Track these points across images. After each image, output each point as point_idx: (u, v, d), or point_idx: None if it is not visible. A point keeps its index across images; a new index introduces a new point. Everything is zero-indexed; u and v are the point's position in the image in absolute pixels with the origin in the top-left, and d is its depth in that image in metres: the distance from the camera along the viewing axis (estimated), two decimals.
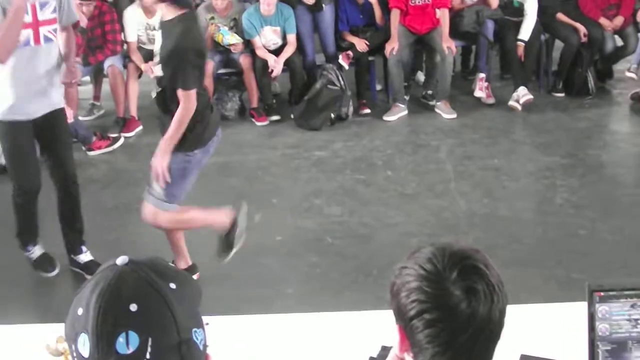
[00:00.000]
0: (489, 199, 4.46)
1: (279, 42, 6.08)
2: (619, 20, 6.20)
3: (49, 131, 3.54)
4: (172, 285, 1.07)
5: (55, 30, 3.42)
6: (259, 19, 5.97)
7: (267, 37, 6.02)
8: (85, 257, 3.81)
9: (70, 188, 3.72)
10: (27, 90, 3.38)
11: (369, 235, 4.07)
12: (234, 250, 3.52)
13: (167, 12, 3.16)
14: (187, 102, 3.16)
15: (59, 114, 3.58)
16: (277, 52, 6.05)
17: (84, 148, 5.45)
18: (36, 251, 3.78)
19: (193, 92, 3.15)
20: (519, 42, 6.05)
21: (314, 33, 6.27)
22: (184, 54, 3.10)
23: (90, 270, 3.69)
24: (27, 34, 3.28)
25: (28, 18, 3.27)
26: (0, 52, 3.21)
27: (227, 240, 3.53)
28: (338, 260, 3.81)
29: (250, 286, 3.59)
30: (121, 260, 1.09)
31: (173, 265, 1.15)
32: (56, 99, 3.56)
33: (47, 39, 3.38)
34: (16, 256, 3.78)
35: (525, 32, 6.05)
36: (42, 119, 3.47)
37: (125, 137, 5.74)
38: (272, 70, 5.93)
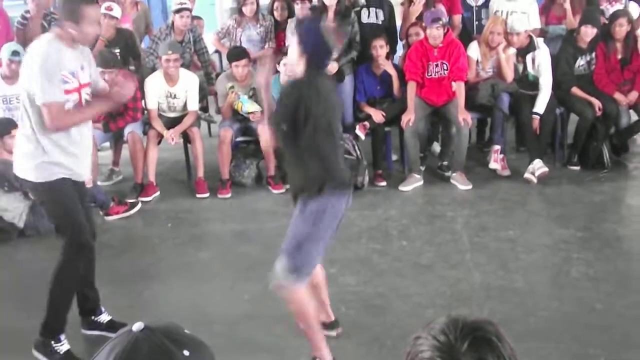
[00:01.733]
0: (504, 271, 4.43)
1: None
2: (633, 96, 6.27)
3: (78, 190, 3.56)
4: (186, 352, 1.09)
5: (90, 94, 3.49)
6: (278, 89, 6.09)
7: None
8: (106, 316, 3.81)
9: (93, 245, 3.70)
10: (79, 153, 3.45)
11: (384, 306, 4.05)
12: None
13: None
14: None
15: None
16: None
17: (101, 213, 5.51)
18: (65, 345, 3.52)
19: None
20: (534, 116, 6.11)
21: None
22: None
23: (114, 329, 3.65)
24: (74, 97, 3.36)
25: (73, 81, 3.36)
26: (65, 127, 3.31)
27: None
28: (352, 330, 3.78)
29: (265, 355, 3.57)
30: (137, 326, 1.11)
31: (188, 332, 1.16)
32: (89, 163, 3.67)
33: (87, 102, 3.46)
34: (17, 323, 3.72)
35: (541, 105, 6.12)
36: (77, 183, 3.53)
37: (143, 203, 5.80)
38: None
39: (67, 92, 3.31)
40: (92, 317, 3.79)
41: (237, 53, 6.22)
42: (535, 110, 6.12)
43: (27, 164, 3.37)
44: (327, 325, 3.64)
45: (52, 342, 3.49)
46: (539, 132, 6.15)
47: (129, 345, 1.07)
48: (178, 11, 6.54)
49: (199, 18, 7.77)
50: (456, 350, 1.18)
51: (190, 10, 6.67)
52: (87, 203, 3.78)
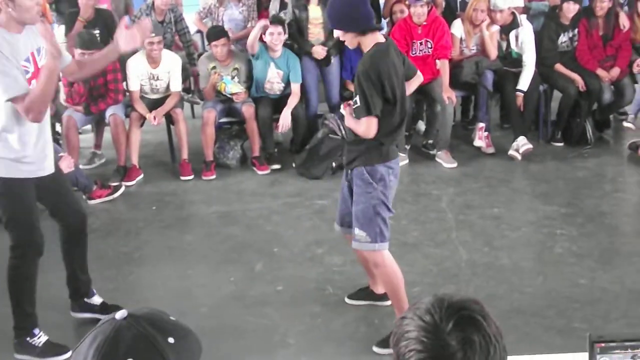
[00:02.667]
0: (489, 248, 4.46)
1: (282, 84, 6.15)
2: (615, 72, 6.29)
3: (53, 183, 3.46)
4: (171, 340, 1.07)
5: None
6: (266, 56, 6.05)
7: (271, 74, 6.09)
8: (98, 299, 3.77)
9: (85, 228, 3.67)
10: (39, 145, 3.31)
11: None
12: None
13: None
14: (366, 130, 3.17)
15: (57, 166, 3.56)
16: (280, 100, 6.12)
17: (84, 197, 5.45)
18: (42, 337, 3.45)
19: (372, 120, 3.14)
20: (518, 93, 6.12)
21: (319, 83, 6.36)
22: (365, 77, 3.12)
23: (107, 311, 3.60)
24: (33, 84, 3.14)
25: (30, 67, 3.17)
26: (35, 112, 3.08)
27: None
28: (339, 310, 3.79)
29: (252, 336, 3.57)
30: (120, 314, 1.09)
31: (173, 318, 1.15)
32: (53, 153, 3.51)
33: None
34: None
35: (524, 82, 6.12)
36: (48, 177, 3.40)
37: (126, 186, 5.76)
38: (281, 125, 6.01)
39: (28, 81, 3.14)
40: (85, 300, 3.75)
41: (215, 33, 6.15)
42: (519, 87, 6.13)
43: None
44: (382, 296, 3.72)
45: (28, 338, 3.44)
46: (523, 109, 6.16)
47: (112, 333, 1.06)
48: None
49: None
50: (441, 329, 1.19)
51: None
52: (70, 191, 3.69)
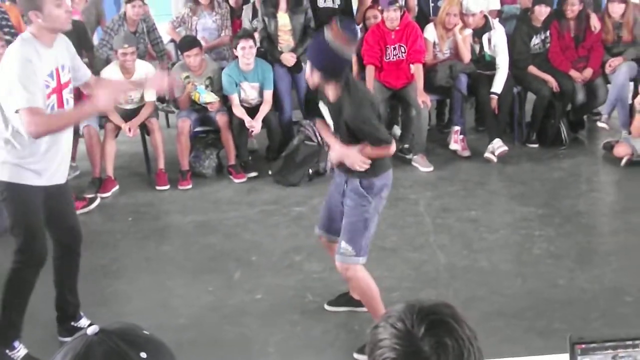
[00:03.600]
0: (468, 251, 4.46)
1: (257, 97, 6.14)
2: (588, 73, 6.35)
3: (60, 196, 3.41)
4: (143, 355, 1.05)
5: (71, 92, 3.32)
6: (238, 74, 6.04)
7: (246, 92, 6.08)
8: (86, 321, 3.68)
9: (78, 248, 3.62)
10: (57, 157, 3.29)
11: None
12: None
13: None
14: (388, 150, 3.27)
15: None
16: (255, 108, 6.10)
17: None
18: (21, 350, 3.40)
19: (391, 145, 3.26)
20: (492, 95, 6.16)
21: (292, 90, 6.35)
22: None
23: None
24: (52, 99, 3.15)
25: (52, 83, 3.15)
26: (42, 132, 3.07)
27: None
28: (319, 317, 3.77)
29: (231, 346, 3.54)
30: (91, 330, 1.07)
31: (146, 332, 1.13)
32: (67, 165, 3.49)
33: (68, 102, 3.28)
34: None
35: (498, 85, 6.16)
36: (55, 186, 3.36)
37: (102, 198, 5.70)
38: (252, 131, 5.99)
39: (47, 95, 3.12)
40: (72, 323, 3.66)
41: (188, 43, 6.12)
42: (493, 90, 6.16)
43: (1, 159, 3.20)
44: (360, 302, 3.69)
45: (7, 350, 3.37)
46: (498, 111, 6.20)
47: (82, 349, 1.04)
48: (130, 1, 6.41)
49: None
50: (414, 335, 1.19)
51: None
52: (70, 206, 3.65)
